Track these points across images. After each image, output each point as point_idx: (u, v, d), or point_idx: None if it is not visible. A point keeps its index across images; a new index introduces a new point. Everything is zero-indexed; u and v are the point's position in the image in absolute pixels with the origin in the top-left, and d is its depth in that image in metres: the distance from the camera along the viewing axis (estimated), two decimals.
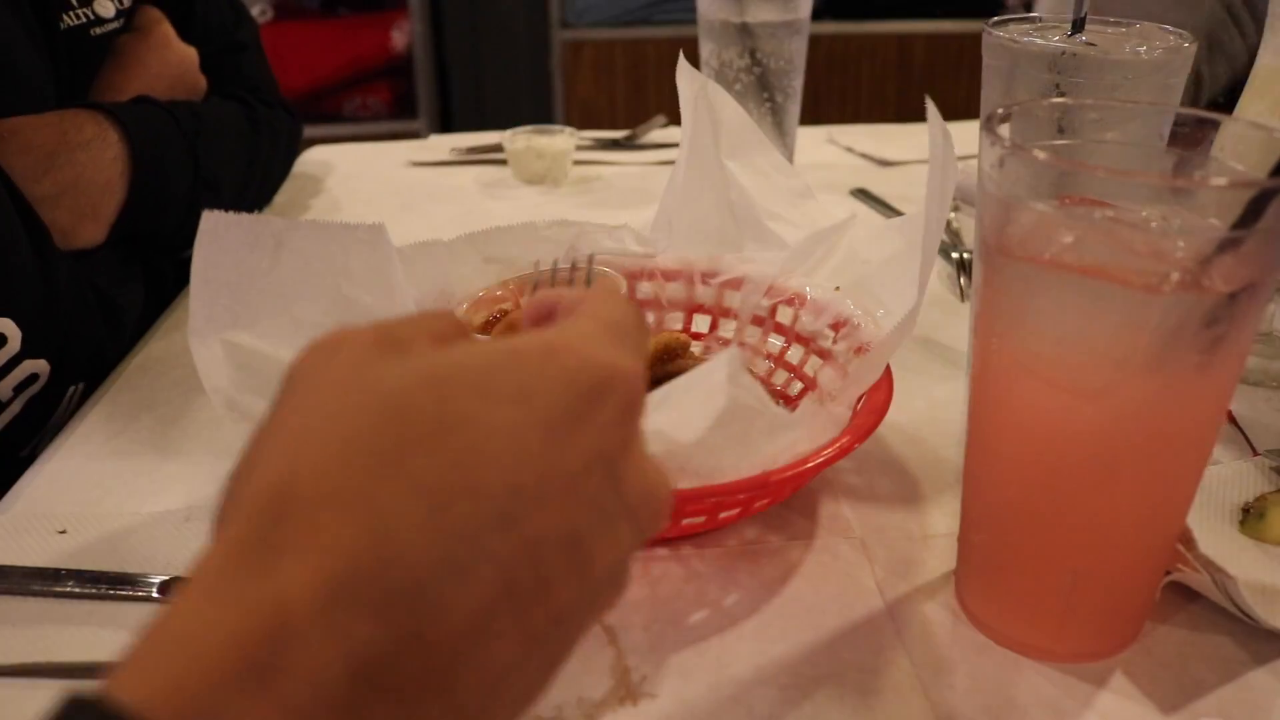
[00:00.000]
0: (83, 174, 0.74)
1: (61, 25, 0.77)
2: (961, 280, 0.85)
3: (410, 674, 0.23)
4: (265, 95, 1.01)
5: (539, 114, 2.27)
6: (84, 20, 0.80)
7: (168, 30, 0.89)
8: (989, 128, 0.42)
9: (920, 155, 1.17)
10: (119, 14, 0.83)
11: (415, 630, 0.23)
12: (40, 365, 0.66)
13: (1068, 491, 0.44)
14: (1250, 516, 0.54)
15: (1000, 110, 0.44)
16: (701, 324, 0.69)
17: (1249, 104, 0.66)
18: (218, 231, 0.52)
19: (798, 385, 0.64)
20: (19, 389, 0.65)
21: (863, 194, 1.08)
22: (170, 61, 0.89)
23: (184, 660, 0.21)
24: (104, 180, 0.75)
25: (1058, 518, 0.44)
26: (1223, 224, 0.39)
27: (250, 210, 0.95)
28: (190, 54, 0.91)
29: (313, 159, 1.21)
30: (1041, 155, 0.40)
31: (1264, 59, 0.65)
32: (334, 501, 0.23)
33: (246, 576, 0.22)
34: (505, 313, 0.64)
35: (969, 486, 0.49)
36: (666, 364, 0.60)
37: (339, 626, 0.22)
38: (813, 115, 1.21)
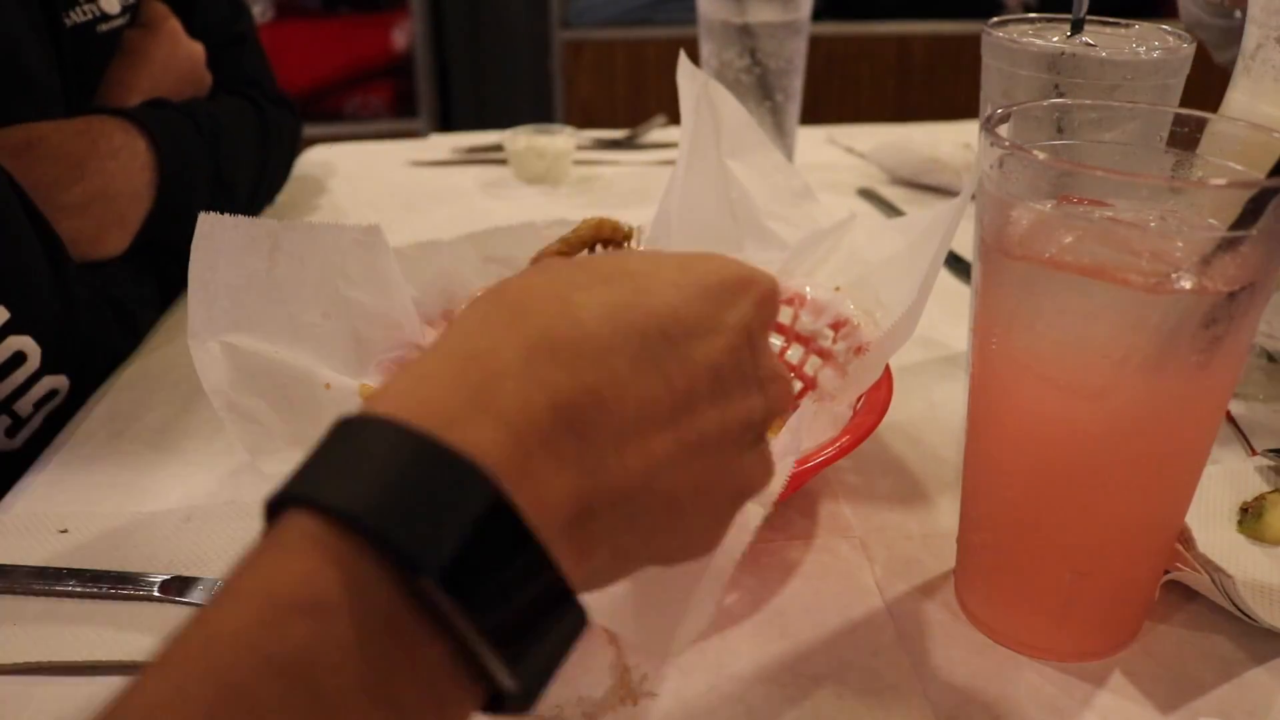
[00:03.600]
0: (111, 183, 0.74)
1: (67, 22, 0.77)
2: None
3: (593, 421, 0.28)
4: (266, 89, 1.01)
5: (539, 114, 2.27)
6: (90, 17, 0.79)
7: (175, 26, 0.89)
8: (988, 128, 0.42)
9: None
10: (124, 9, 0.83)
11: (596, 387, 0.29)
12: (60, 381, 0.66)
13: (1067, 491, 0.44)
14: (1248, 516, 0.54)
15: (999, 111, 0.44)
16: None
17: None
18: (214, 234, 0.52)
19: (798, 385, 0.64)
20: (39, 405, 0.66)
21: (868, 194, 1.08)
22: (179, 57, 0.88)
23: (422, 394, 0.27)
24: (132, 189, 0.76)
25: (1057, 517, 0.44)
26: (1221, 224, 0.39)
27: (259, 209, 0.95)
28: (198, 50, 0.91)
29: (313, 159, 1.21)
30: (1041, 156, 0.40)
31: (1234, 96, 0.65)
32: (534, 298, 0.31)
33: (464, 342, 0.29)
34: None
35: (969, 486, 0.49)
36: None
37: (538, 372, 0.28)
38: (813, 115, 1.21)
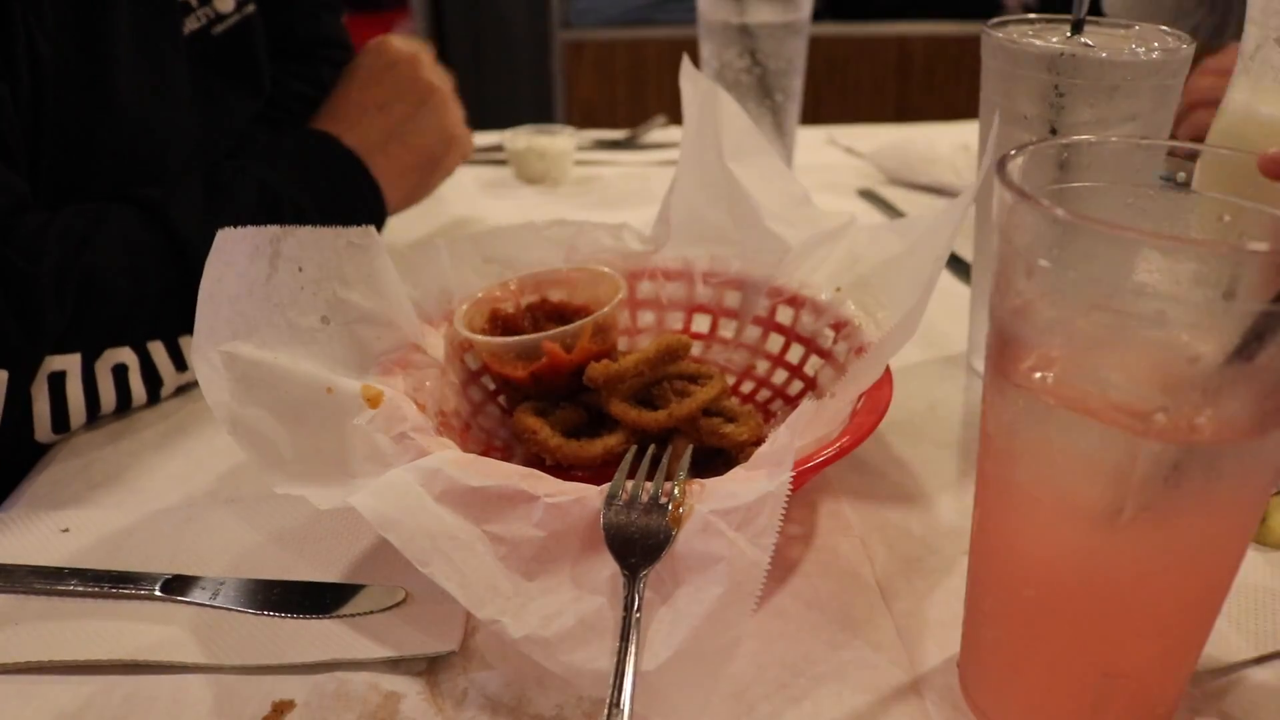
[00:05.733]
0: None
1: (185, 30, 0.78)
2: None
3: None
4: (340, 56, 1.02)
5: (539, 114, 2.27)
6: (205, 21, 0.81)
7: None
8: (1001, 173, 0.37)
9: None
10: (238, 5, 0.84)
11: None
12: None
13: (1088, 604, 0.39)
14: None
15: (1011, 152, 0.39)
16: (701, 324, 0.69)
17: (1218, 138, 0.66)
18: (225, 247, 0.52)
19: (798, 385, 0.64)
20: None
21: (868, 195, 1.08)
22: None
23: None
24: None
25: (1081, 623, 0.39)
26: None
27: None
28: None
29: None
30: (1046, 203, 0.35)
31: (1233, 97, 0.65)
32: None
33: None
34: (504, 313, 0.64)
35: (976, 573, 0.44)
36: (667, 365, 0.60)
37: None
38: (813, 116, 1.21)
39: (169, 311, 0.66)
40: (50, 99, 0.65)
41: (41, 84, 0.64)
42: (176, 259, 0.67)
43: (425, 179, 0.91)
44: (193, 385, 0.69)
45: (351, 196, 0.82)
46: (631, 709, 0.39)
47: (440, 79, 0.92)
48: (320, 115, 0.88)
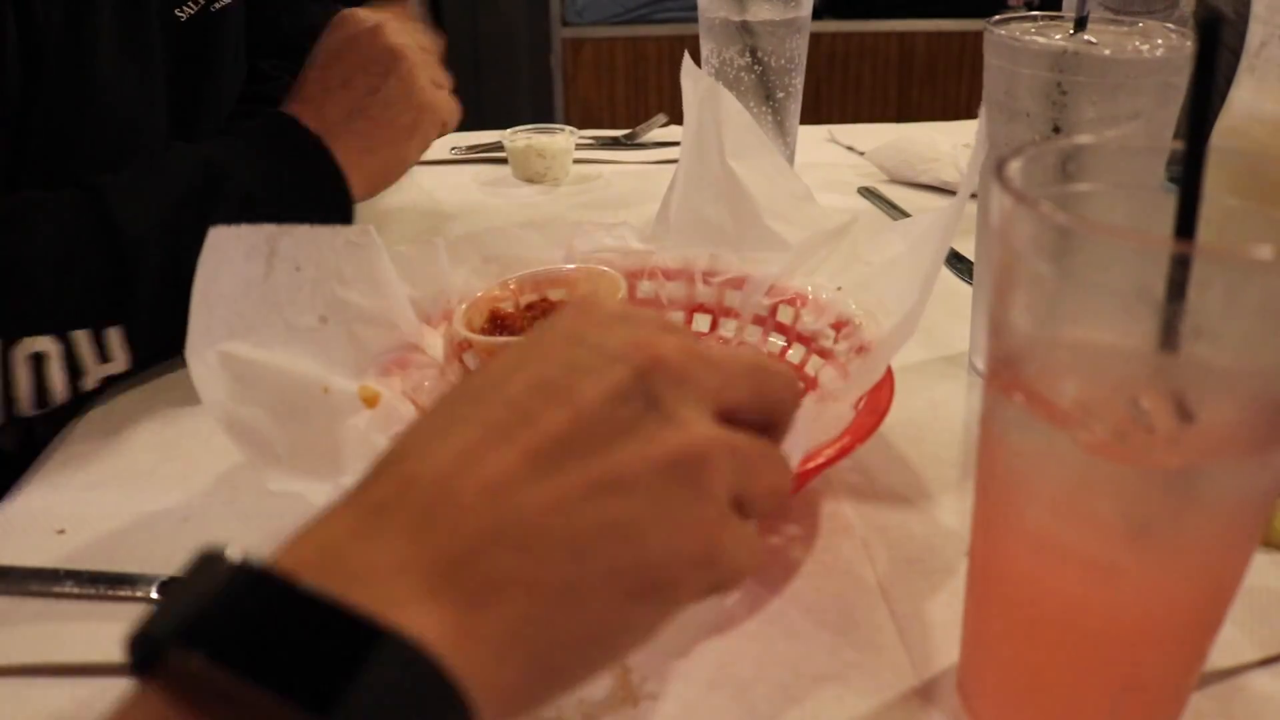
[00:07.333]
0: None
1: (181, 16, 0.76)
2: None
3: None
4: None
5: (539, 112, 2.27)
6: (201, 4, 0.79)
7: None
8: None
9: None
10: None
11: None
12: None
13: (1110, 629, 0.38)
14: None
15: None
16: (702, 323, 0.69)
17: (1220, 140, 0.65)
18: (220, 246, 0.51)
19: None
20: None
21: (869, 193, 1.08)
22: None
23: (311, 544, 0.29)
24: None
25: (1103, 643, 0.38)
26: None
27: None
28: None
29: None
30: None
31: (1238, 94, 0.65)
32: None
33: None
34: (504, 313, 0.64)
35: (981, 603, 0.43)
36: None
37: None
38: (814, 114, 1.21)
39: (96, 300, 0.63)
40: (35, 89, 0.64)
41: (27, 76, 0.63)
42: (108, 244, 0.63)
43: (398, 153, 0.83)
44: (125, 376, 0.68)
45: (309, 178, 0.76)
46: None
47: (407, 43, 0.84)
48: (284, 99, 0.82)
